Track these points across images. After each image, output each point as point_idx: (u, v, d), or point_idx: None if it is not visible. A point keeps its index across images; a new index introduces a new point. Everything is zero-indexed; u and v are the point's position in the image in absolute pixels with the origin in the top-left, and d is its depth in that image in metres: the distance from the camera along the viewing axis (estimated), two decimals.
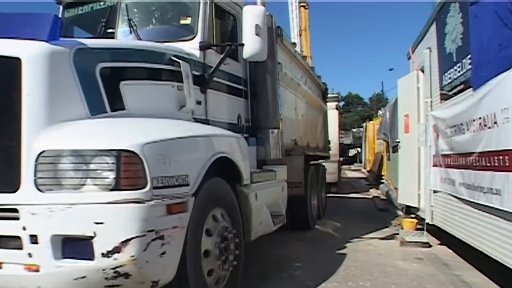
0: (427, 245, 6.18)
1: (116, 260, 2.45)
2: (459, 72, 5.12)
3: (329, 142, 11.09)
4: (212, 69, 4.08)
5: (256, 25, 4.05)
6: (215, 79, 4.17)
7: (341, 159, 18.03)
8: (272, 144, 5.03)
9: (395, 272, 4.83)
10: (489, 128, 3.93)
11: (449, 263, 5.33)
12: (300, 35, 17.10)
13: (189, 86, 3.70)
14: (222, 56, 4.18)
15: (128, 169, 2.52)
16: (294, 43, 8.39)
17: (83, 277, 2.49)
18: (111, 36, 4.11)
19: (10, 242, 2.53)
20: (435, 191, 6.18)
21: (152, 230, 2.57)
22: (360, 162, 30.16)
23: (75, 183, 2.49)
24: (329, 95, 11.62)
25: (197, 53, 3.98)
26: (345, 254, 5.70)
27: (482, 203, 4.19)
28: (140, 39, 3.99)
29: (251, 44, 4.06)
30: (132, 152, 2.54)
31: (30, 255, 2.49)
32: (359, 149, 32.89)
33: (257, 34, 4.05)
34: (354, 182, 19.07)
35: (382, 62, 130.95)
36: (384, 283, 4.43)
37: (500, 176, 3.73)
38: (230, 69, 4.51)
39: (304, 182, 6.97)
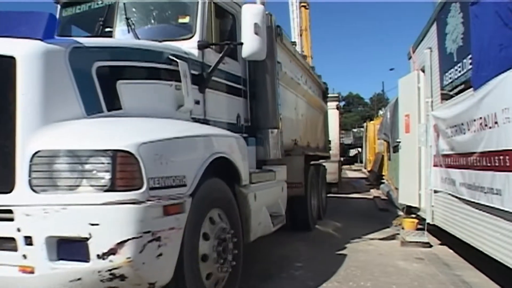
0: (428, 245, 6.17)
1: (112, 262, 2.42)
2: (459, 72, 5.10)
3: (329, 142, 11.05)
4: (211, 68, 4.04)
5: (255, 24, 4.01)
6: (214, 78, 4.13)
7: (342, 159, 17.97)
8: (271, 144, 4.99)
9: (395, 272, 4.81)
10: (490, 128, 3.92)
11: (449, 263, 5.31)
12: (301, 35, 17.07)
13: (187, 85, 3.66)
14: (221, 55, 4.14)
15: (124, 170, 2.49)
16: (294, 42, 8.36)
17: (79, 279, 2.46)
18: (109, 35, 4.08)
19: (5, 243, 2.50)
20: (435, 191, 6.16)
21: (149, 232, 2.53)
22: (361, 162, 30.14)
23: (70, 183, 2.46)
24: (329, 95, 11.59)
25: (195, 52, 3.95)
26: (345, 254, 5.68)
27: (482, 203, 4.18)
28: (138, 38, 3.97)
29: (250, 43, 4.03)
30: (128, 152, 2.50)
31: (25, 256, 2.46)
32: (359, 149, 32.86)
33: (256, 33, 4.01)
34: (355, 182, 19.06)
35: (383, 62, 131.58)
36: (385, 283, 4.42)
37: (501, 176, 3.72)
38: (229, 69, 4.47)
39: (304, 182, 6.93)
